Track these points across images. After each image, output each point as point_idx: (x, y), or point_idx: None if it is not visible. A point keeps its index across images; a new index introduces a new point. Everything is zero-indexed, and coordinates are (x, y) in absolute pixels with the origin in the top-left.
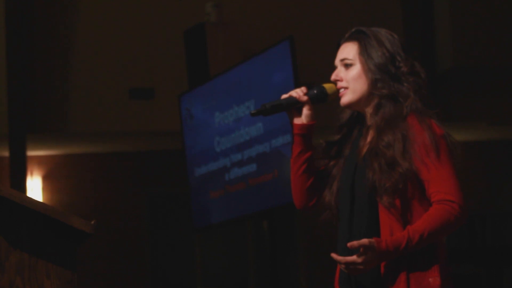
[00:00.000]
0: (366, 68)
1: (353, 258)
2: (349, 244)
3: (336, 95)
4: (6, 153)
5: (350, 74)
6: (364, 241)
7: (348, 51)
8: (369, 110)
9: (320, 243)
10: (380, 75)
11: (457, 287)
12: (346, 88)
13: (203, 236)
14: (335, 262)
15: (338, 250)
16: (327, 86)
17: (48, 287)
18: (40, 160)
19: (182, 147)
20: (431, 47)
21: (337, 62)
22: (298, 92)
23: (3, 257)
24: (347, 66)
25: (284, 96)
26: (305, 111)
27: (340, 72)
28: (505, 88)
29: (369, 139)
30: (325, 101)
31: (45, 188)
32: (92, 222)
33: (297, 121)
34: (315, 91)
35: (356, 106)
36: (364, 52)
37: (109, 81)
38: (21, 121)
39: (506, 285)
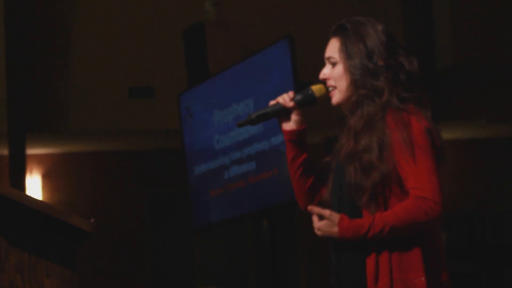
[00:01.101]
0: (346, 67)
1: (314, 219)
2: (309, 208)
3: (326, 96)
4: (5, 152)
5: (334, 73)
6: (326, 212)
7: (332, 48)
8: (349, 109)
9: (320, 242)
10: (358, 75)
11: (457, 286)
12: (334, 87)
13: (203, 236)
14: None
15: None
16: (315, 88)
17: (48, 286)
18: (39, 159)
19: (182, 146)
20: (430, 46)
21: (325, 58)
22: (285, 98)
23: (3, 257)
24: (333, 64)
25: (272, 102)
26: (293, 116)
27: (327, 70)
28: (504, 86)
29: (348, 140)
30: (314, 104)
31: (44, 187)
32: (92, 221)
33: (286, 127)
34: (301, 96)
35: (345, 105)
36: (344, 49)
37: (109, 80)
38: (21, 120)
39: (506, 284)
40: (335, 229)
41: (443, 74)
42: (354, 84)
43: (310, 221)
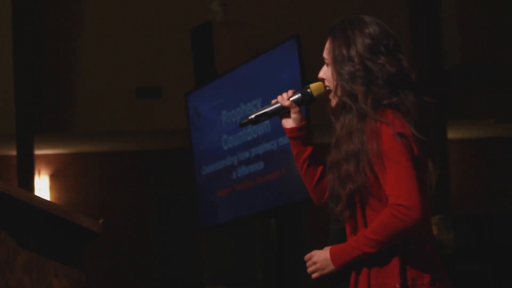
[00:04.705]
0: (333, 70)
1: (307, 265)
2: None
3: (325, 94)
4: (13, 152)
5: (326, 74)
6: (311, 253)
7: (325, 49)
8: (335, 115)
9: (327, 241)
10: (340, 79)
11: (465, 286)
12: (330, 88)
13: (210, 235)
14: None
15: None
16: (314, 86)
17: (56, 286)
18: (47, 159)
19: (190, 145)
20: (438, 45)
21: None
22: (283, 97)
23: (11, 257)
24: (327, 64)
25: (273, 101)
26: (292, 114)
27: (323, 71)
28: (511, 85)
29: (332, 147)
30: (313, 101)
31: (52, 187)
32: (100, 221)
33: (286, 124)
34: (299, 95)
35: (331, 110)
36: (331, 52)
37: (116, 80)
38: (28, 120)
39: None
40: (330, 263)
41: (450, 73)
42: (339, 88)
43: (317, 221)
